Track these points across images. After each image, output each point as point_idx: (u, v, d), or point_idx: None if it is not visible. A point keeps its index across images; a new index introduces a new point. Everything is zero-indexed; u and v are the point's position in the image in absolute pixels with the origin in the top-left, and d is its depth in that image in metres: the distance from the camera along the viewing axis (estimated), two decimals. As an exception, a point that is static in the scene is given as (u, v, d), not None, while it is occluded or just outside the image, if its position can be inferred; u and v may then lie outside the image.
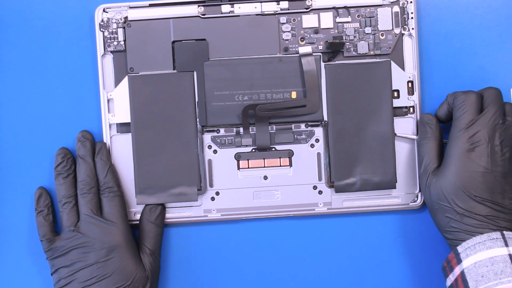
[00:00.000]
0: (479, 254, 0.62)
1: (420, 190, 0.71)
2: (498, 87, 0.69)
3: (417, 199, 0.71)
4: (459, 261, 0.64)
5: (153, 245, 0.70)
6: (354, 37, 0.71)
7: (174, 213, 0.72)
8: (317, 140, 0.71)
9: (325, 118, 0.71)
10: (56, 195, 0.70)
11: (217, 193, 0.71)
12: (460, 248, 0.64)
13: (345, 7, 0.70)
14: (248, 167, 0.71)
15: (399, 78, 0.71)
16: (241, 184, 0.71)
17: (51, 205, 0.70)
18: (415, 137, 0.70)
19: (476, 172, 0.64)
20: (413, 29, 0.70)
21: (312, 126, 0.71)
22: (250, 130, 0.71)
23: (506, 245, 0.62)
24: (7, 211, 0.72)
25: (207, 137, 0.71)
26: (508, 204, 0.64)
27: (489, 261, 0.62)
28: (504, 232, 0.63)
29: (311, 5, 0.70)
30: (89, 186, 0.68)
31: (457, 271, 0.64)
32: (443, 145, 0.69)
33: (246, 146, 0.71)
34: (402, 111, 0.71)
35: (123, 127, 0.71)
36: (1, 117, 0.72)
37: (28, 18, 0.71)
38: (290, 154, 0.71)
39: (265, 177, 0.71)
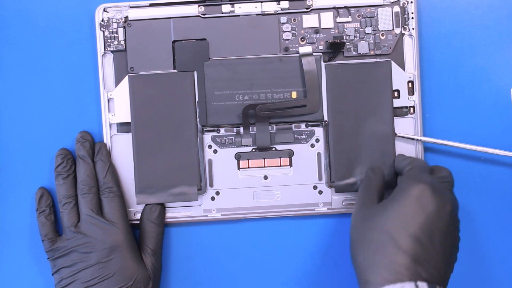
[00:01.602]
0: None
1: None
2: (498, 87, 0.69)
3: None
4: None
5: (154, 245, 0.70)
6: (355, 37, 0.71)
7: (174, 213, 0.72)
8: (317, 140, 0.71)
9: (326, 118, 0.71)
10: (56, 195, 0.70)
11: (217, 193, 0.71)
12: None
13: (345, 7, 0.70)
14: (248, 167, 0.71)
15: (400, 78, 0.71)
16: (241, 184, 0.71)
17: (53, 205, 0.70)
18: (415, 137, 0.70)
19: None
20: (413, 29, 0.70)
21: (312, 126, 0.71)
22: (250, 130, 0.71)
23: None
24: (8, 211, 0.72)
25: (207, 137, 0.71)
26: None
27: None
28: (418, 282, 0.58)
29: (311, 5, 0.70)
30: (89, 186, 0.68)
31: None
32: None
33: (246, 146, 0.71)
34: (403, 111, 0.71)
35: (123, 127, 0.71)
36: (1, 117, 0.72)
37: (28, 18, 0.71)
38: (290, 154, 0.71)
39: (265, 177, 0.71)
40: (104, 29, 0.70)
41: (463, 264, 0.72)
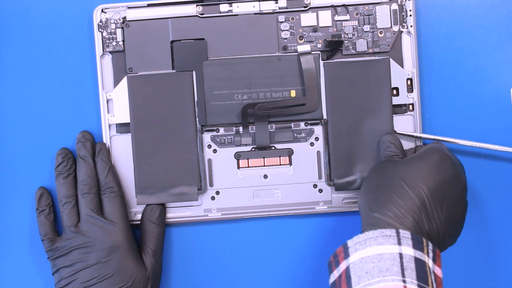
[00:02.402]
0: (368, 249, 0.58)
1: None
2: (498, 87, 0.69)
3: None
4: (346, 255, 0.59)
5: (155, 245, 0.70)
6: (353, 35, 0.71)
7: (175, 213, 0.71)
8: (316, 139, 0.71)
9: (325, 116, 0.71)
10: (56, 195, 0.70)
11: (217, 193, 0.71)
12: (350, 242, 0.60)
13: (343, 5, 0.70)
14: (248, 166, 0.71)
15: (398, 75, 0.71)
16: (241, 183, 0.71)
17: (52, 204, 0.70)
18: (415, 134, 0.70)
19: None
20: (411, 26, 0.70)
21: (311, 124, 0.71)
22: (250, 129, 0.71)
23: (399, 243, 0.58)
24: (8, 211, 0.72)
25: (207, 137, 0.71)
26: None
27: (376, 258, 0.58)
28: (400, 230, 0.59)
29: (309, 3, 0.70)
30: (89, 186, 0.68)
31: (342, 266, 0.59)
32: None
33: (246, 145, 0.71)
34: (402, 109, 0.71)
35: (122, 127, 0.71)
36: (1, 118, 0.72)
37: (27, 19, 0.72)
38: (290, 152, 0.71)
39: (265, 176, 0.71)
40: (102, 30, 0.70)
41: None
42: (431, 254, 0.59)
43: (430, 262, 0.59)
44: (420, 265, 0.58)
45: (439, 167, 0.62)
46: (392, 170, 0.63)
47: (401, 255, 0.58)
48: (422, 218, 0.60)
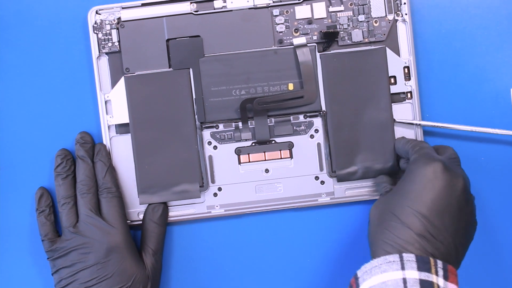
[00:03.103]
0: (374, 278, 0.58)
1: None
2: (498, 87, 0.69)
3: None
4: (357, 285, 0.59)
5: (155, 245, 0.70)
6: (348, 25, 0.71)
7: (178, 211, 0.71)
8: (316, 131, 0.71)
9: (323, 108, 0.71)
10: (56, 196, 0.70)
11: (220, 189, 0.71)
12: (359, 272, 0.60)
13: (337, -4, 0.71)
14: (249, 161, 0.71)
15: (395, 64, 0.71)
16: (243, 179, 0.71)
17: (52, 205, 0.70)
18: (414, 121, 0.70)
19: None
20: (406, 14, 0.70)
21: (310, 116, 0.71)
22: (249, 124, 0.71)
23: (403, 268, 0.58)
24: (8, 211, 0.72)
25: (207, 133, 0.71)
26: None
27: (381, 286, 0.57)
28: (404, 254, 0.58)
29: (303, -4, 0.70)
30: (88, 186, 0.68)
31: None
32: None
33: (246, 140, 0.71)
34: (400, 97, 0.71)
35: (122, 128, 0.71)
36: (1, 118, 0.72)
37: (22, 23, 0.72)
38: (290, 146, 0.71)
39: (267, 170, 0.71)
40: (97, 32, 0.70)
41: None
42: (441, 273, 0.58)
43: (440, 281, 0.58)
44: (426, 286, 0.57)
45: (427, 183, 0.61)
46: (383, 205, 0.63)
47: (404, 280, 0.57)
48: (425, 240, 0.59)
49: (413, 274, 0.57)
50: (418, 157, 0.64)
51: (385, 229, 0.60)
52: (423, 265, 0.58)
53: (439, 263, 0.58)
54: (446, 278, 0.58)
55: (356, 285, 0.60)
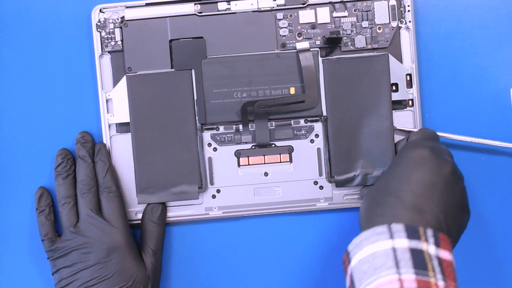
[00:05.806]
0: (364, 250, 0.59)
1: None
2: (498, 87, 0.69)
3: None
4: (349, 261, 0.60)
5: (155, 245, 0.70)
6: (351, 31, 0.71)
7: (176, 212, 0.72)
8: (316, 136, 0.71)
9: (324, 113, 0.71)
10: (56, 195, 0.70)
11: (218, 191, 0.71)
12: (350, 247, 0.60)
13: (341, 2, 0.70)
14: (249, 164, 0.71)
15: (397, 71, 0.70)
16: (241, 181, 0.71)
17: (52, 205, 0.70)
18: (415, 130, 0.70)
19: None
20: (410, 22, 0.70)
21: (311, 121, 0.71)
22: (250, 127, 0.71)
23: (391, 237, 0.58)
24: (8, 211, 0.72)
25: (207, 135, 0.71)
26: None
27: (371, 257, 0.58)
28: (392, 225, 0.59)
29: (307, 0, 0.70)
30: (88, 186, 0.68)
31: (348, 272, 0.60)
32: None
33: (246, 143, 0.71)
34: (401, 105, 0.71)
35: (122, 127, 0.71)
36: (1, 118, 0.72)
37: (25, 20, 0.72)
38: (290, 150, 0.71)
39: (266, 174, 0.71)
40: (100, 30, 0.70)
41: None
42: (431, 240, 0.58)
43: (431, 248, 0.58)
44: (416, 254, 0.57)
45: (414, 166, 0.62)
46: (374, 186, 0.64)
47: (394, 249, 0.58)
48: (415, 213, 0.60)
49: (403, 243, 0.58)
50: (407, 143, 0.65)
51: (375, 205, 0.61)
52: (412, 234, 0.58)
53: (429, 231, 0.58)
54: (437, 245, 0.58)
55: (348, 260, 0.60)
